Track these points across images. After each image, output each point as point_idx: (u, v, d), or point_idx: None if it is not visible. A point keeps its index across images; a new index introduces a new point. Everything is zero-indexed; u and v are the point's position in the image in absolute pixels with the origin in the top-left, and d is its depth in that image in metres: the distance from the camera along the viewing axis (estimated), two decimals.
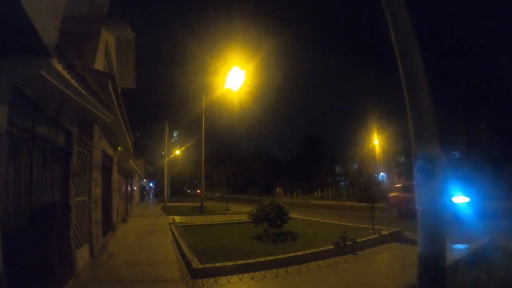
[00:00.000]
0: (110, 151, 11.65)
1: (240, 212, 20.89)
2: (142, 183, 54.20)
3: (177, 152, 45.07)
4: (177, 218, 16.40)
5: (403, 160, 55.59)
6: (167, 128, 25.69)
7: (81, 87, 5.16)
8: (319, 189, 39.85)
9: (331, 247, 8.47)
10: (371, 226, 10.92)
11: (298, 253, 7.67)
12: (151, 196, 64.97)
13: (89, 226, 8.07)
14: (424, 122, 3.76)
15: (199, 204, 22.75)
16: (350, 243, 8.88)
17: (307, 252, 7.83)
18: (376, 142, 52.26)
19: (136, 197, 31.65)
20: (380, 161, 54.70)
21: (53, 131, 5.46)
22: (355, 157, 64.13)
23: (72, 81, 4.49)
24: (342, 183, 57.38)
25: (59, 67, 3.90)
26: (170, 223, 14.13)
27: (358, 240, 9.20)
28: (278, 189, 50.17)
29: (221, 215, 18.25)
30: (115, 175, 12.89)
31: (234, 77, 19.01)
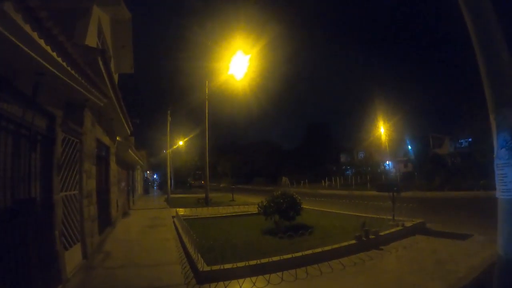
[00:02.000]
0: (106, 140, 10.73)
1: (246, 203, 20.06)
2: (145, 175, 53.57)
3: (181, 143, 44.17)
4: (181, 211, 15.59)
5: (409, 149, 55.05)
6: (169, 117, 24.76)
7: (61, 58, 4.21)
8: (326, 179, 38.87)
9: (353, 241, 7.59)
10: (391, 217, 10.07)
11: (317, 250, 6.78)
12: (155, 188, 64.34)
13: (81, 223, 7.18)
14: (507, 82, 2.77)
15: (203, 195, 21.95)
16: (373, 236, 8.02)
17: (327, 248, 6.94)
18: (382, 130, 51.37)
19: (139, 189, 30.85)
20: (386, 150, 53.84)
21: (28, 113, 4.53)
22: (360, 146, 63.41)
23: (42, 43, 3.52)
24: (348, 172, 56.42)
25: (17, 17, 2.93)
26: (173, 216, 13.26)
27: (381, 234, 8.35)
28: (284, 179, 49.23)
29: (227, 207, 17.35)
30: (113, 167, 11.99)
31: (238, 63, 17.91)
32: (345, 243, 7.37)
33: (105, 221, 10.49)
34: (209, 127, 21.18)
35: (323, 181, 39.38)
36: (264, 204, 9.73)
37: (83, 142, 7.42)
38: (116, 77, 13.79)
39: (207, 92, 21.00)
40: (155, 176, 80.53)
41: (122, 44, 12.90)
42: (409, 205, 10.59)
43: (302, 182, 43.21)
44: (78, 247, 6.92)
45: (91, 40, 9.26)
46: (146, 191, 45.50)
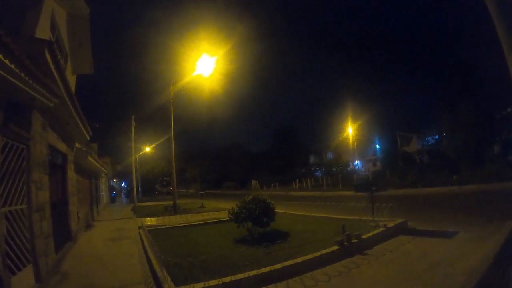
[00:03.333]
0: (62, 146, 9.76)
1: (216, 208, 19.39)
2: (111, 183, 51.57)
3: (147, 149, 42.81)
4: (148, 221, 14.71)
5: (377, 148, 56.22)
6: (133, 122, 23.63)
7: None
8: (297, 180, 38.58)
9: (335, 247, 7.11)
10: (371, 218, 9.70)
11: (298, 260, 6.23)
12: (123, 196, 62.14)
13: (32, 241, 6.28)
14: None
15: (172, 202, 21.02)
16: (355, 240, 7.60)
17: (308, 257, 6.40)
18: (350, 131, 52.05)
19: (104, 199, 29.35)
20: (354, 150, 54.64)
21: None
22: (329, 147, 64.19)
23: None
24: (318, 173, 56.69)
25: None
26: (139, 227, 12.35)
27: (364, 237, 7.95)
28: (253, 182, 48.61)
29: (196, 214, 16.55)
30: (71, 175, 11.00)
31: (204, 64, 17.36)
32: (327, 250, 6.87)
33: (64, 236, 9.52)
34: (177, 132, 20.39)
35: (293, 183, 39.02)
36: (236, 210, 9.11)
37: (31, 148, 6.54)
38: (74, 78, 12.76)
39: (172, 94, 20.15)
40: (122, 184, 78.04)
41: (80, 42, 11.91)
42: (387, 204, 10.24)
43: (272, 185, 42.71)
44: (30, 269, 6.04)
45: (43, 35, 8.31)
46: (113, 200, 43.74)
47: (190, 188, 64.75)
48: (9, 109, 5.60)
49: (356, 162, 61.02)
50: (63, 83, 7.13)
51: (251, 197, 9.32)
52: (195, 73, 18.04)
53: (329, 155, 66.59)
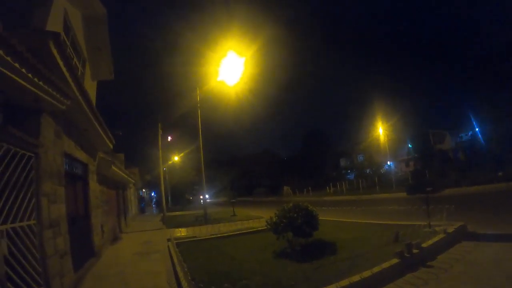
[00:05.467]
0: (82, 156, 9.03)
1: (249, 217, 18.37)
2: (141, 194, 51.57)
3: (176, 158, 42.51)
4: (177, 232, 13.85)
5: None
6: (160, 131, 23.08)
7: None
8: (330, 184, 37.14)
9: (394, 260, 5.93)
10: (425, 223, 8.45)
11: (355, 278, 5.10)
12: (153, 206, 62.22)
13: (43, 261, 5.47)
14: None
15: (202, 211, 20.20)
16: (416, 250, 6.38)
17: (366, 274, 5.25)
18: (381, 131, 50.08)
19: (133, 209, 28.93)
20: (386, 150, 52.43)
21: None
22: (359, 148, 62.01)
23: None
24: (350, 176, 54.86)
25: None
26: (168, 239, 11.49)
27: (424, 245, 6.71)
28: (285, 188, 47.31)
29: (228, 223, 15.55)
30: (94, 187, 10.28)
31: (232, 67, 16.42)
32: (387, 264, 5.70)
33: (86, 252, 8.78)
34: (205, 140, 19.64)
35: (327, 187, 37.59)
36: (274, 220, 8.03)
37: (41, 157, 5.75)
38: (94, 84, 12.17)
39: (198, 99, 19.42)
40: (152, 194, 78.46)
41: (98, 46, 11.28)
42: (442, 206, 8.92)
43: (305, 189, 41.36)
44: None
45: None
46: (143, 210, 43.58)
47: (220, 196, 64.17)
48: (8, 110, 4.83)
49: (389, 163, 58.62)
50: (75, 82, 6.34)
51: (291, 204, 8.22)
52: (220, 78, 17.24)
53: (360, 157, 64.38)
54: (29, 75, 4.44)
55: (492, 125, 30.31)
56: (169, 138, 26.30)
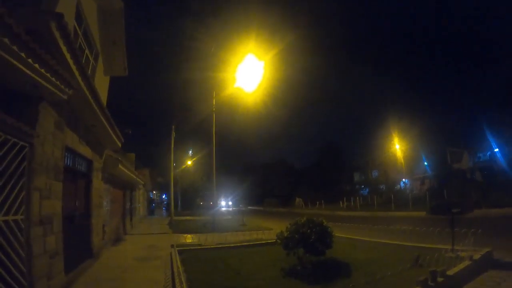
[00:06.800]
0: (86, 152, 8.59)
1: (259, 227, 17.68)
2: (151, 196, 51.35)
3: (189, 162, 42.25)
4: (182, 238, 13.30)
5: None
6: (173, 133, 22.70)
7: None
8: (344, 199, 36.14)
9: None
10: (447, 247, 7.70)
11: None
12: (164, 209, 61.99)
13: (29, 261, 4.97)
14: None
15: (211, 218, 19.66)
16: (441, 279, 5.64)
17: None
18: (397, 146, 48.83)
19: (141, 211, 28.53)
20: (401, 167, 51.01)
21: None
22: (374, 164, 60.68)
23: None
24: (363, 192, 53.59)
25: None
26: (172, 245, 10.93)
27: (449, 273, 5.94)
28: (297, 200, 46.61)
29: (237, 233, 14.93)
30: (97, 185, 9.82)
31: (250, 71, 15.88)
32: None
33: (82, 253, 8.29)
34: (219, 148, 19.12)
35: (340, 202, 36.59)
36: (286, 235, 7.37)
37: (36, 148, 5.29)
38: (107, 80, 11.80)
39: (214, 103, 18.97)
40: (163, 196, 78.35)
41: (113, 40, 10.92)
42: (461, 229, 8.13)
43: (318, 203, 40.34)
44: None
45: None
46: (152, 212, 43.26)
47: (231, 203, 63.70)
48: (3, 96, 4.39)
49: (404, 180, 56.99)
50: (79, 70, 5.88)
51: (304, 219, 7.56)
52: (239, 83, 16.76)
53: (375, 173, 63.01)
54: (28, 59, 4.02)
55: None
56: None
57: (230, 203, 52.35)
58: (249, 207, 44.88)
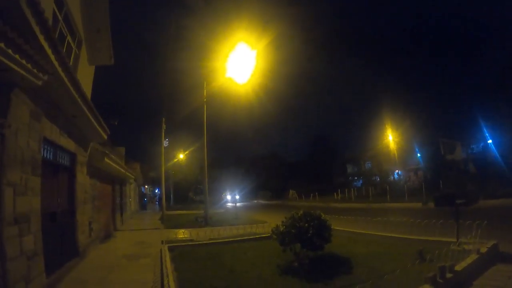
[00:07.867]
0: (69, 144, 8.08)
1: (252, 220, 17.30)
2: (143, 190, 50.71)
3: (181, 156, 41.63)
4: (174, 233, 12.86)
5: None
6: (163, 126, 22.13)
7: None
8: (338, 191, 35.92)
9: (427, 287, 4.84)
10: (451, 240, 7.37)
11: None
12: (156, 203, 61.38)
13: (2, 264, 4.51)
14: None
15: (203, 211, 19.21)
16: (450, 275, 5.27)
17: None
18: (390, 138, 48.74)
19: (132, 206, 27.94)
20: (395, 158, 50.99)
21: None
22: (367, 155, 60.67)
23: None
24: (356, 183, 53.60)
25: None
26: (163, 241, 10.48)
27: (458, 269, 5.59)
28: (291, 192, 46.39)
29: (230, 227, 14.50)
30: (83, 180, 9.32)
31: (240, 63, 15.37)
32: None
33: (67, 252, 7.80)
34: (211, 139, 18.64)
35: (334, 194, 36.34)
36: (282, 229, 6.95)
37: (8, 139, 4.79)
38: (92, 69, 11.23)
39: (205, 94, 18.44)
40: (156, 191, 77.72)
41: (97, 28, 10.34)
42: (472, 222, 7.79)
43: (311, 195, 40.03)
44: None
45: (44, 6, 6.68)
46: (144, 207, 42.68)
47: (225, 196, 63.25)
48: None
49: (397, 171, 57.04)
50: (55, 54, 5.36)
51: (301, 212, 7.13)
52: (229, 74, 16.24)
53: (368, 164, 63.05)
54: None
55: (506, 137, 29.03)
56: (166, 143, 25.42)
57: (237, 197, 51.78)
58: (243, 202, 44.27)
